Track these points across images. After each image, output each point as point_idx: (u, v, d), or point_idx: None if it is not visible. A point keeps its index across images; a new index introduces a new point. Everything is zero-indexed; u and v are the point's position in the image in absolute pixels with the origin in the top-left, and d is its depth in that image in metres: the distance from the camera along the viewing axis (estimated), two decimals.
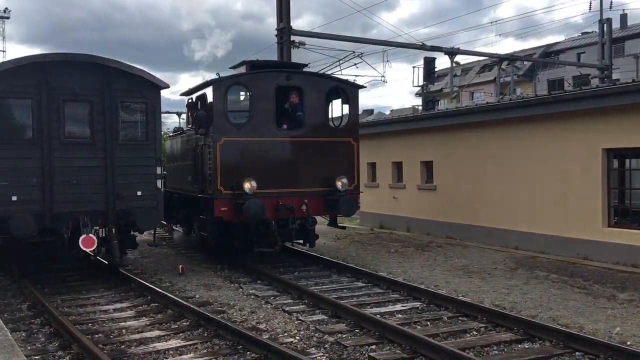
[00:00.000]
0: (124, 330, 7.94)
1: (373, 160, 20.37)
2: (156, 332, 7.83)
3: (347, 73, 32.70)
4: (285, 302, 9.48)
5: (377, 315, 8.28)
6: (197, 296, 9.92)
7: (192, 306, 8.66)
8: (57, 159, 10.14)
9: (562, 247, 12.98)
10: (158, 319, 8.56)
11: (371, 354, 6.86)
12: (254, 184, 11.39)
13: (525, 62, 45.47)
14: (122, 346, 7.27)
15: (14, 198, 9.76)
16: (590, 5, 50.03)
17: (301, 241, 12.72)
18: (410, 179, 18.24)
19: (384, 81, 27.45)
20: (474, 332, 7.73)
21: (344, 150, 12.62)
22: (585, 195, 12.61)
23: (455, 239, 15.77)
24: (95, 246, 10.01)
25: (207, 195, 11.92)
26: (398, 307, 9.08)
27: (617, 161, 12.68)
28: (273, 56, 19.63)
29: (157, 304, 9.34)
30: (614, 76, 30.48)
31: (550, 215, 13.39)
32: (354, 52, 22.49)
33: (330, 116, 13.11)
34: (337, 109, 13.30)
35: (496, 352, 7.00)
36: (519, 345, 7.21)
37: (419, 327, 7.97)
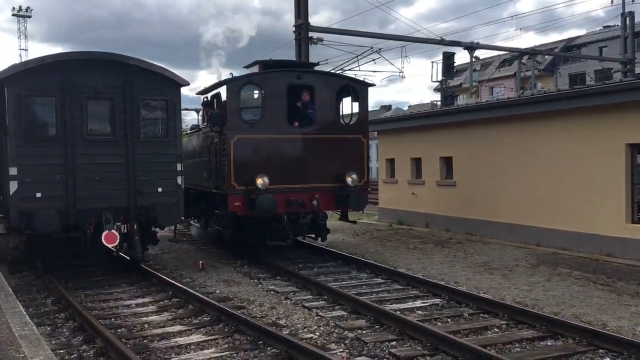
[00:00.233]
0: (146, 325, 8.03)
1: (392, 156, 20.32)
2: (178, 327, 7.91)
3: (365, 69, 32.53)
4: (305, 298, 9.50)
5: (397, 312, 8.26)
6: (217, 292, 9.99)
7: (212, 301, 8.73)
8: (80, 156, 10.28)
9: (585, 243, 12.82)
10: (179, 314, 8.64)
11: (391, 350, 6.86)
12: (266, 179, 11.70)
13: (546, 57, 44.92)
14: (145, 340, 7.36)
15: (39, 194, 9.92)
16: None
17: (313, 235, 13.04)
18: (429, 175, 18.15)
19: (402, 77, 27.34)
20: (496, 329, 7.68)
21: (354, 147, 12.87)
22: (608, 191, 12.44)
23: (475, 235, 15.66)
24: (117, 242, 10.14)
25: (221, 191, 12.25)
26: (418, 303, 9.05)
27: None
28: (291, 53, 19.66)
29: (178, 299, 9.44)
30: (637, 70, 29.94)
31: (572, 212, 13.23)
32: (371, 48, 22.45)
33: (340, 114, 13.37)
34: (347, 106, 13.60)
35: (518, 349, 6.95)
36: (542, 343, 7.15)
37: (439, 323, 7.94)
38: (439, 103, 37.28)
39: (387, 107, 74.54)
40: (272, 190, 11.70)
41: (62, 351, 6.96)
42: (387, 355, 6.75)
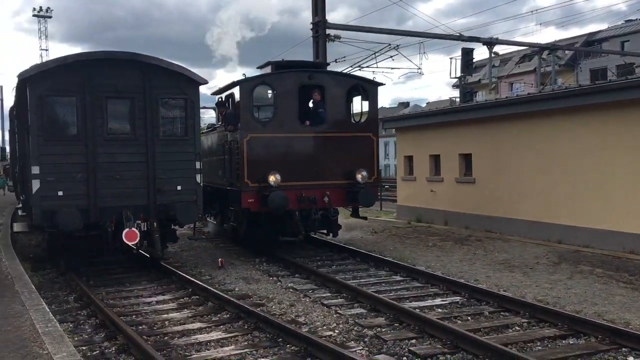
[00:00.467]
0: (166, 322, 8.10)
1: (410, 153, 20.22)
2: (197, 324, 7.96)
3: (382, 66, 32.43)
4: (324, 295, 9.51)
5: (417, 310, 8.22)
6: (236, 289, 10.04)
7: (232, 299, 8.78)
8: (101, 155, 10.39)
9: (607, 240, 12.63)
10: (199, 311, 8.70)
11: (411, 348, 6.83)
12: (278, 177, 12.02)
13: (566, 52, 44.35)
14: (165, 337, 7.42)
15: (60, 193, 10.05)
16: None
17: (325, 231, 13.30)
18: (448, 172, 18.03)
19: (420, 73, 27.28)
20: (517, 328, 7.60)
21: (364, 145, 13.12)
22: (631, 187, 12.23)
23: (495, 233, 15.53)
24: (137, 240, 10.24)
25: (235, 188, 12.60)
26: (437, 301, 9.00)
27: None
28: (308, 50, 19.66)
29: (198, 297, 9.50)
30: None
31: (594, 208, 13.05)
32: (389, 45, 22.35)
33: (351, 112, 13.76)
34: (358, 105, 13.94)
35: (539, 347, 6.88)
36: (563, 341, 7.06)
37: (459, 321, 7.89)
38: (457, 99, 36.99)
39: (405, 104, 74.31)
40: (284, 187, 12.00)
41: (84, 348, 7.04)
42: (406, 354, 6.72)
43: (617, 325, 7.27)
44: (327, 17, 19.78)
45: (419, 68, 24.34)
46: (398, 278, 10.70)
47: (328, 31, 19.81)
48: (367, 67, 22.27)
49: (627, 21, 49.92)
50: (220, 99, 14.30)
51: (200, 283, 9.96)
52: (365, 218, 14.50)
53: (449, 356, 6.61)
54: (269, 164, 12.10)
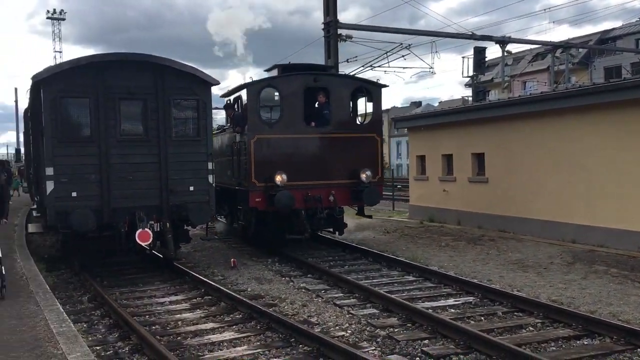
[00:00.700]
0: (179, 322, 8.13)
1: (422, 153, 20.14)
2: (210, 324, 7.99)
3: (394, 65, 32.35)
4: (336, 295, 9.50)
5: (429, 310, 8.18)
6: (249, 289, 10.06)
7: (244, 299, 8.80)
8: (114, 156, 10.47)
9: (622, 240, 12.49)
10: (212, 311, 8.73)
11: (424, 348, 6.81)
12: (284, 176, 12.30)
13: (580, 50, 43.90)
14: (179, 337, 7.45)
15: (74, 194, 10.14)
16: None
17: (331, 229, 13.64)
18: (460, 172, 17.94)
19: (432, 72, 27.19)
20: (530, 328, 7.55)
21: (368, 145, 13.39)
22: None
23: (508, 232, 15.42)
24: (150, 240, 10.31)
25: (243, 188, 12.88)
26: (450, 301, 8.96)
27: None
28: (320, 50, 19.67)
29: (210, 297, 9.53)
30: None
31: (609, 208, 12.91)
32: (401, 44, 22.32)
33: (356, 113, 14.07)
34: (362, 107, 14.24)
35: (554, 348, 6.82)
36: (578, 342, 7.00)
37: (472, 322, 7.85)
38: (470, 99, 36.78)
39: (418, 104, 73.94)
40: (290, 186, 12.27)
41: (98, 347, 7.09)
42: (419, 354, 6.70)
43: (632, 325, 7.19)
44: (338, 17, 19.78)
45: (431, 67, 24.37)
46: (411, 278, 10.66)
47: (340, 31, 19.82)
48: (379, 66, 22.28)
49: None
50: (228, 101, 14.54)
51: (212, 283, 9.99)
52: (370, 217, 14.77)
53: (462, 356, 6.58)
54: (275, 164, 12.36)
